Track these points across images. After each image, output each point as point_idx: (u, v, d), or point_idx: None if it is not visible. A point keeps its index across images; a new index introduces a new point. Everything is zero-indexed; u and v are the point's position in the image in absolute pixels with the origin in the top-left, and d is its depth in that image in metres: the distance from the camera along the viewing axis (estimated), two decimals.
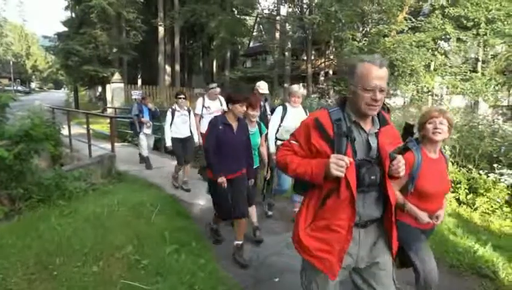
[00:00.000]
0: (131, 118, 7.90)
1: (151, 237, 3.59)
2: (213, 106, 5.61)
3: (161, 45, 20.05)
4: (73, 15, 20.50)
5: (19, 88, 46.33)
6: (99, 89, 24.85)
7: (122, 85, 16.33)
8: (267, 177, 4.41)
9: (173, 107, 5.62)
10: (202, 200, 5.28)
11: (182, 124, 5.61)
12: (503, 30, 14.12)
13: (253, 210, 3.97)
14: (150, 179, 6.30)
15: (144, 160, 7.37)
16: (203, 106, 5.58)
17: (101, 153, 6.99)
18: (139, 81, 24.53)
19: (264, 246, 3.80)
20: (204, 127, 5.07)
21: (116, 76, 16.34)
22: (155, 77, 21.02)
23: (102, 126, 12.76)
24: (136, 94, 16.37)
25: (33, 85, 65.16)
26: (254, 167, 3.88)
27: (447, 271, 3.28)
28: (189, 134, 5.68)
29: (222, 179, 3.27)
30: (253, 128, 3.82)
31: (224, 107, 5.51)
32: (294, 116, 4.27)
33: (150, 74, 23.25)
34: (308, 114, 4.12)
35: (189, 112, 5.66)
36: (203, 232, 4.06)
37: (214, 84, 5.77)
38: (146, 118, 7.26)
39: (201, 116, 5.55)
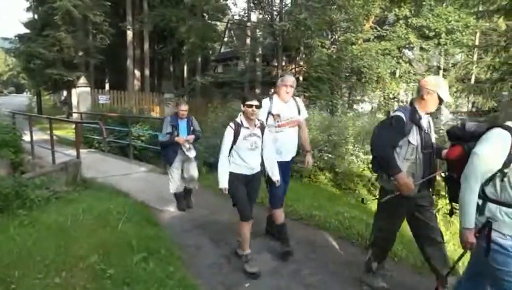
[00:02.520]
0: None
1: (117, 245, 3.47)
2: (285, 112, 3.67)
3: (130, 49, 19.63)
4: (36, 16, 19.72)
5: None
6: (65, 93, 23.96)
7: (88, 89, 15.82)
8: None
9: (238, 120, 3.32)
10: (172, 207, 5.20)
11: (250, 152, 3.33)
12: (461, 40, 14.94)
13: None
14: (118, 185, 6.12)
15: (176, 198, 5.24)
16: (270, 112, 3.63)
17: (66, 159, 6.73)
18: (107, 86, 23.87)
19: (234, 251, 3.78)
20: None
21: (82, 80, 15.80)
22: (123, 82, 20.51)
23: (67, 132, 12.30)
24: (103, 99, 15.96)
25: None
26: None
27: (411, 271, 3.39)
28: (259, 168, 3.46)
29: None
30: None
31: (305, 114, 3.93)
32: None
33: (118, 78, 22.66)
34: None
35: (262, 129, 3.38)
36: (172, 239, 3.99)
37: (288, 75, 3.76)
38: (183, 136, 4.99)
39: None
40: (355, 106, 15.45)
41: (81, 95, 15.44)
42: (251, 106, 3.21)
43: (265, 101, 3.63)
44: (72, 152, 7.24)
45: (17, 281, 2.78)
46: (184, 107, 4.99)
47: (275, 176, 3.47)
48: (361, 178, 6.95)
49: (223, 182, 3.29)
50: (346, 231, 4.27)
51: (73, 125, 8.27)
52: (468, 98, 13.80)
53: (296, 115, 3.76)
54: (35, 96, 24.68)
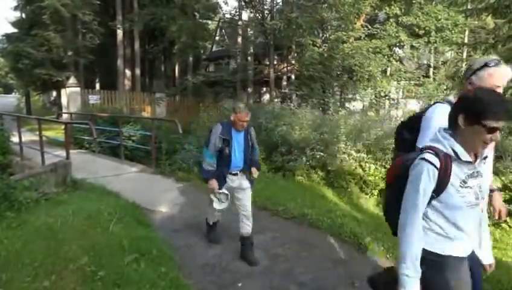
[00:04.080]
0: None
1: (108, 247, 3.43)
2: None
3: (120, 48, 19.45)
4: (24, 16, 19.46)
5: None
6: (54, 93, 23.68)
7: (78, 89, 15.63)
8: None
9: (441, 146, 1.58)
10: (164, 207, 5.16)
11: (471, 210, 1.63)
12: (451, 38, 15.10)
13: None
14: (109, 186, 6.06)
15: (209, 226, 4.03)
16: None
17: (55, 160, 6.63)
18: (97, 85, 23.65)
19: (227, 251, 3.76)
20: None
21: (72, 80, 15.61)
22: (114, 81, 20.34)
23: (57, 132, 12.14)
24: (93, 99, 15.79)
25: None
26: None
27: None
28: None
29: None
30: None
31: None
32: None
33: (109, 78, 22.46)
34: None
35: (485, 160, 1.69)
36: (164, 239, 3.95)
37: (503, 64, 1.97)
38: (238, 155, 3.52)
39: None
40: (346, 104, 15.51)
41: (70, 95, 15.26)
42: (494, 129, 1.49)
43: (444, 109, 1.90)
44: (62, 153, 7.14)
45: (5, 284, 2.73)
46: (247, 116, 3.42)
47: (487, 257, 1.89)
48: (353, 176, 6.97)
49: (413, 282, 1.58)
50: (339, 229, 4.28)
51: (63, 126, 8.15)
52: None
53: None
54: (24, 97, 24.36)
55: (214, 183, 3.49)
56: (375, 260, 3.58)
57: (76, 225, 3.86)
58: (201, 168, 3.59)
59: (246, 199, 3.63)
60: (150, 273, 3.02)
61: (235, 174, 3.57)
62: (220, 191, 3.52)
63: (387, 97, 16.06)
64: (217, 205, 3.61)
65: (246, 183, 3.63)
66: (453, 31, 15.08)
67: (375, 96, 15.72)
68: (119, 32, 19.14)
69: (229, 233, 4.20)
